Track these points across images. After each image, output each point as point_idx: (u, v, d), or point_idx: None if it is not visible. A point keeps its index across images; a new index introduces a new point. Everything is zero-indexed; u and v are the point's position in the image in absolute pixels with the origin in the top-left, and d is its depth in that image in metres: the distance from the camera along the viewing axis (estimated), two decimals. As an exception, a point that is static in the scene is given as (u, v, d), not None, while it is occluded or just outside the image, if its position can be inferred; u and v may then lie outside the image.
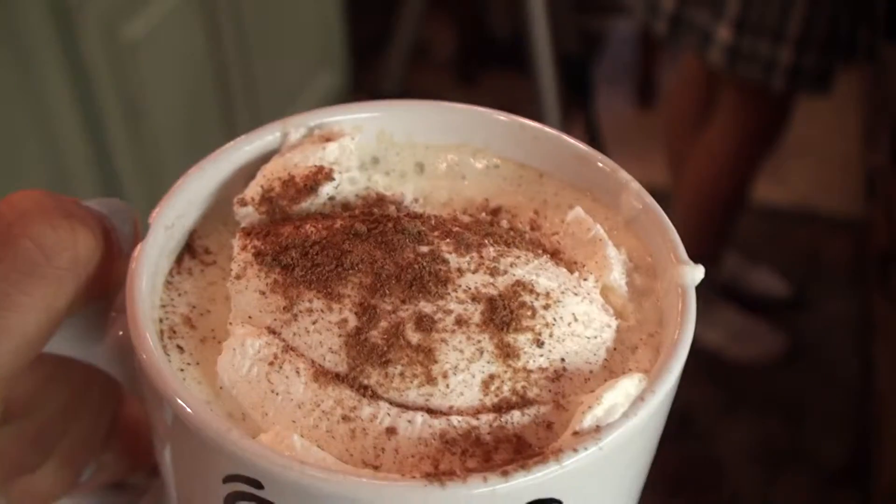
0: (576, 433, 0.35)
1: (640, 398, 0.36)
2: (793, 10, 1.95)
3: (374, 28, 2.78)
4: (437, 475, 0.33)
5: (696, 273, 0.41)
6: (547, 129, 0.47)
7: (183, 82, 2.10)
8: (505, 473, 0.33)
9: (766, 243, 2.82)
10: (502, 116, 0.47)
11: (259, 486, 0.34)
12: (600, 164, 0.46)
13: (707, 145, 2.26)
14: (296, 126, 0.45)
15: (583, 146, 0.46)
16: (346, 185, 0.45)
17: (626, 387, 0.36)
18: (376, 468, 0.35)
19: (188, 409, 0.35)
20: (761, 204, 2.67)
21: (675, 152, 2.43)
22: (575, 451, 0.34)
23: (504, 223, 0.46)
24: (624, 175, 0.45)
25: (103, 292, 0.40)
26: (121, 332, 0.40)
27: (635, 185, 0.45)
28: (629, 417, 0.36)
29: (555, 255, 0.43)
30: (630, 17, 3.28)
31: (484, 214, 0.46)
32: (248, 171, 0.44)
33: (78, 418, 0.44)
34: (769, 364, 2.47)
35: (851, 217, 2.92)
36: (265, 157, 0.45)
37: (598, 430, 0.35)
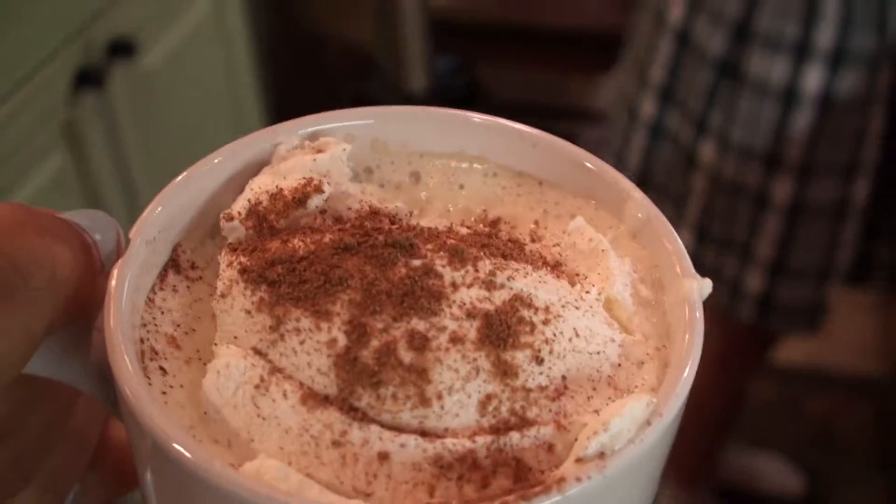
0: (579, 460, 0.33)
1: (647, 422, 0.34)
2: (764, 224, 1.47)
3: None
4: None
5: (704, 287, 0.39)
6: (546, 135, 0.45)
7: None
8: None
9: (770, 418, 2.19)
10: (500, 123, 0.46)
11: None
12: (602, 173, 0.44)
13: None
14: (286, 134, 0.44)
15: (584, 154, 0.45)
16: (338, 198, 0.43)
17: (633, 410, 0.34)
18: (368, 496, 0.33)
19: (168, 440, 0.33)
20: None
21: None
22: (578, 480, 0.32)
23: (503, 235, 0.44)
24: (627, 184, 0.43)
25: (84, 310, 0.38)
26: (101, 354, 0.38)
27: (638, 195, 0.43)
28: (635, 443, 0.34)
29: (556, 267, 0.42)
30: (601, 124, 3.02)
31: (482, 226, 0.45)
32: (236, 182, 0.43)
33: (60, 440, 0.42)
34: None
35: (870, 376, 2.24)
36: (254, 168, 0.43)
37: (602, 457, 0.33)
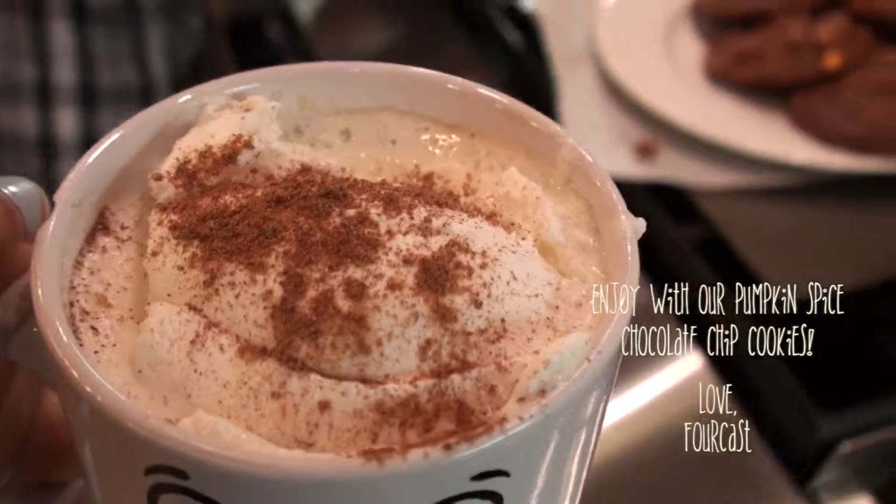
0: (521, 399, 0.33)
1: (587, 359, 0.35)
2: None
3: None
4: (375, 452, 0.31)
5: (638, 226, 0.40)
6: (475, 86, 0.45)
7: None
8: (447, 447, 0.31)
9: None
10: (428, 75, 0.45)
11: (184, 476, 0.31)
12: (533, 123, 0.44)
13: None
14: (211, 94, 0.43)
15: (515, 103, 0.44)
16: (268, 156, 0.42)
17: (572, 348, 0.34)
18: (310, 446, 0.33)
19: (100, 398, 0.32)
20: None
21: None
22: (520, 419, 0.32)
23: (437, 189, 0.44)
24: (557, 130, 0.43)
25: (9, 279, 0.37)
26: (33, 324, 0.37)
27: (570, 141, 0.43)
28: (576, 379, 0.34)
29: (491, 217, 0.41)
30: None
31: (415, 181, 0.44)
32: (162, 144, 0.42)
33: None
34: None
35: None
36: (180, 129, 0.42)
37: (543, 394, 0.33)
